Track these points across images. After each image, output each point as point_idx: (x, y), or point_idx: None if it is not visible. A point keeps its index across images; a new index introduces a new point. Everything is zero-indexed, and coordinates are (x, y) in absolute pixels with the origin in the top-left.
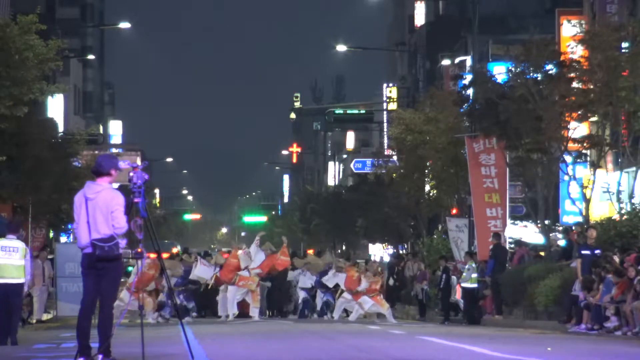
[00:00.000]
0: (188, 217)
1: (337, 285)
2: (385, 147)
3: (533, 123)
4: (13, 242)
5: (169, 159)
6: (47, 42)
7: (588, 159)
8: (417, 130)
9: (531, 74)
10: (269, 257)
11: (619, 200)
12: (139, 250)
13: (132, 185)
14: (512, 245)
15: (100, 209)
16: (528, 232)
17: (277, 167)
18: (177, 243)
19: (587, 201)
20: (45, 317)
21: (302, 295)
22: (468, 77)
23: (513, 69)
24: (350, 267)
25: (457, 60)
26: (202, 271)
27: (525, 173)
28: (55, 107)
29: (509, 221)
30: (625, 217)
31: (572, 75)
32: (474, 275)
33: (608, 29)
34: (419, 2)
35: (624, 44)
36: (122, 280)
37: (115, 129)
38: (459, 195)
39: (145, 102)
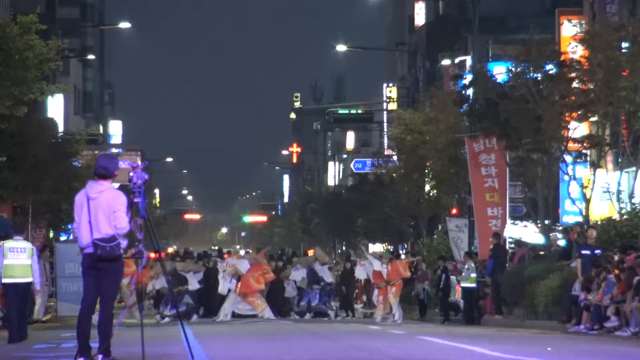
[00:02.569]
0: (188, 217)
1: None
2: (385, 147)
3: (533, 123)
4: (20, 243)
5: (169, 159)
6: (47, 42)
7: (588, 159)
8: (417, 130)
9: (531, 74)
10: (254, 267)
11: (619, 200)
12: (139, 249)
13: (132, 185)
14: (512, 245)
15: (103, 209)
16: (528, 232)
17: (277, 167)
18: (172, 243)
19: (587, 201)
20: (45, 317)
21: (293, 293)
22: (468, 77)
23: (513, 69)
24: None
25: (457, 60)
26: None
27: (525, 173)
28: (55, 107)
29: (509, 221)
30: (625, 217)
31: (572, 75)
32: (473, 275)
33: (608, 28)
34: (419, 2)
35: (624, 44)
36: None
37: (115, 129)
38: (459, 195)
39: (145, 102)
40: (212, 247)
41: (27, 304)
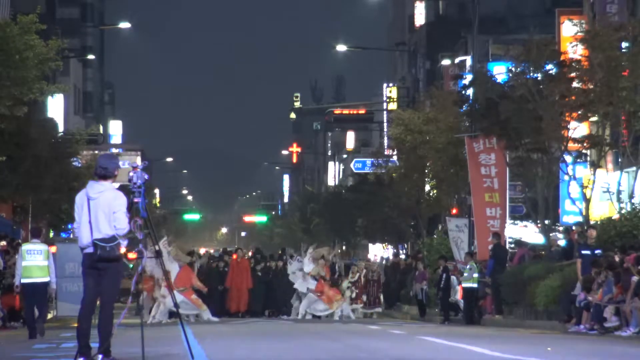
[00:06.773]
0: (188, 217)
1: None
2: (385, 147)
3: (533, 123)
4: (37, 246)
5: (169, 159)
6: (47, 42)
7: (588, 159)
8: (417, 130)
9: (531, 74)
10: (184, 270)
11: (619, 200)
12: (139, 249)
13: (132, 185)
14: (512, 245)
15: (103, 209)
16: (528, 232)
17: (277, 167)
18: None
19: (587, 201)
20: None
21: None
22: (468, 77)
23: (513, 69)
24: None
25: (457, 60)
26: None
27: (525, 173)
28: (55, 107)
29: (509, 221)
30: (625, 217)
31: (572, 75)
32: (476, 275)
33: (608, 28)
34: (419, 2)
35: (624, 44)
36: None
37: (115, 129)
38: (459, 195)
39: (145, 102)
40: (217, 251)
41: (45, 303)
